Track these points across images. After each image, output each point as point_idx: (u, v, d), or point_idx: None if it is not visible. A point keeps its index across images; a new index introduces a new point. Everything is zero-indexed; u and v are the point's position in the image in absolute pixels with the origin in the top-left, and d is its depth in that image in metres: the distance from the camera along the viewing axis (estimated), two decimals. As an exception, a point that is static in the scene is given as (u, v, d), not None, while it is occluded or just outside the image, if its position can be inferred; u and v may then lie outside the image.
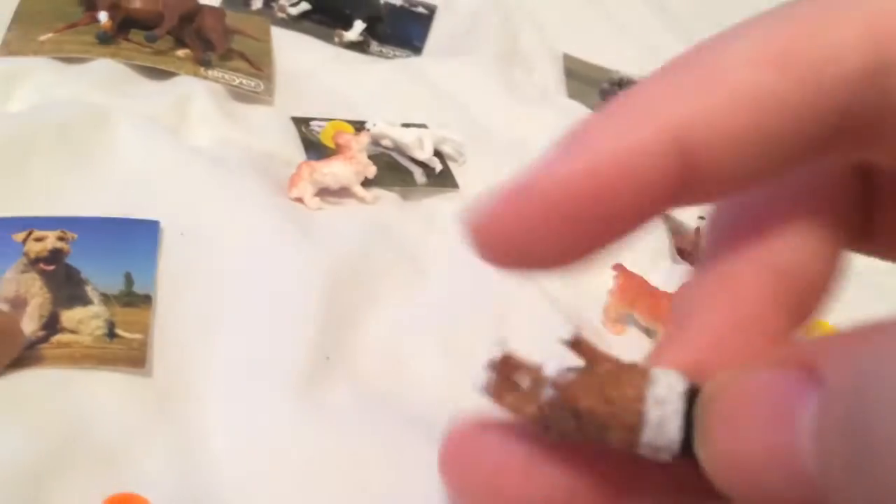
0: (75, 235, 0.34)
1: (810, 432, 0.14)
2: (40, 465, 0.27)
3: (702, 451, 0.15)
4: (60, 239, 0.33)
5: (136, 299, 0.33)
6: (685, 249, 0.49)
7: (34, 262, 0.32)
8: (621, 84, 0.62)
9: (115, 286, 0.33)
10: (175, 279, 0.35)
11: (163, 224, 0.37)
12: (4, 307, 0.31)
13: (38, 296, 0.31)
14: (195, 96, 0.44)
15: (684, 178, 0.16)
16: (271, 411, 0.32)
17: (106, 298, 0.32)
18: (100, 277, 0.33)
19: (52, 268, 0.32)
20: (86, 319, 0.31)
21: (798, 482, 0.14)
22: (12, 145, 0.38)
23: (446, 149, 0.49)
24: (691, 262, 0.47)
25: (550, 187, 0.16)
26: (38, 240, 0.33)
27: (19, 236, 0.33)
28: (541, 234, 0.16)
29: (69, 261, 0.33)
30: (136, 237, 0.35)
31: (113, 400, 0.30)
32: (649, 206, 0.16)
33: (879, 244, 0.20)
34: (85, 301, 0.32)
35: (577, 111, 0.58)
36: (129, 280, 0.33)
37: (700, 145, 0.16)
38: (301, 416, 0.32)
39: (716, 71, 0.16)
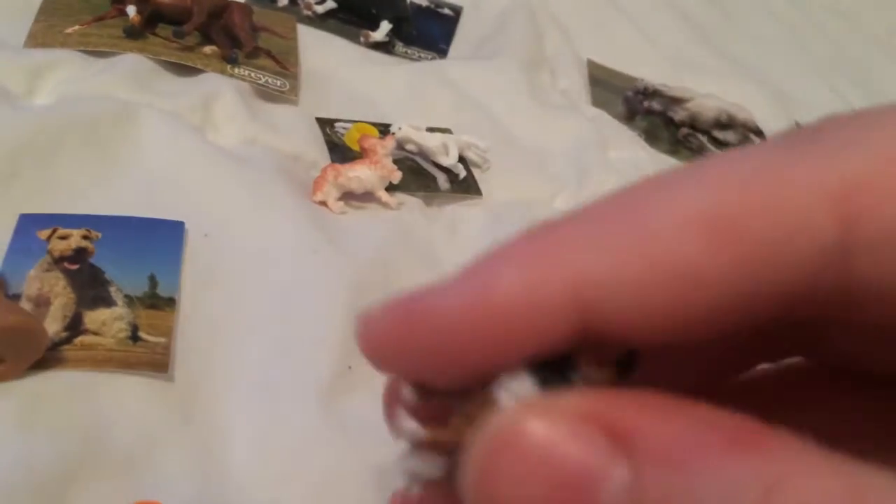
0: (100, 234, 0.34)
1: None
2: (61, 469, 0.27)
3: (471, 490, 0.14)
4: (85, 237, 0.33)
5: (159, 302, 0.32)
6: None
7: (58, 261, 0.32)
8: (645, 93, 0.62)
9: (139, 288, 0.33)
10: (198, 282, 0.35)
11: (187, 225, 0.37)
12: (27, 306, 0.30)
13: (61, 295, 0.31)
14: (221, 94, 0.44)
15: (584, 331, 0.14)
16: (292, 420, 0.31)
17: (129, 300, 0.32)
18: (123, 278, 0.33)
19: (76, 267, 0.32)
20: (109, 321, 0.31)
21: None
22: (38, 140, 0.37)
23: (471, 155, 0.49)
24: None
25: (436, 312, 0.15)
26: (63, 238, 0.33)
27: (43, 233, 0.33)
28: (422, 353, 0.16)
29: (93, 260, 0.33)
30: (160, 238, 0.35)
31: (134, 405, 0.30)
32: (540, 348, 0.15)
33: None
34: (108, 302, 0.31)
35: (602, 119, 0.58)
36: (153, 282, 0.33)
37: (601, 308, 0.14)
38: (322, 426, 0.32)
39: (637, 228, 0.14)
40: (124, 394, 0.30)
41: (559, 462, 0.13)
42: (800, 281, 0.13)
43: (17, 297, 0.30)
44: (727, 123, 0.60)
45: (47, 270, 0.32)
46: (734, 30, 0.80)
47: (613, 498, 0.13)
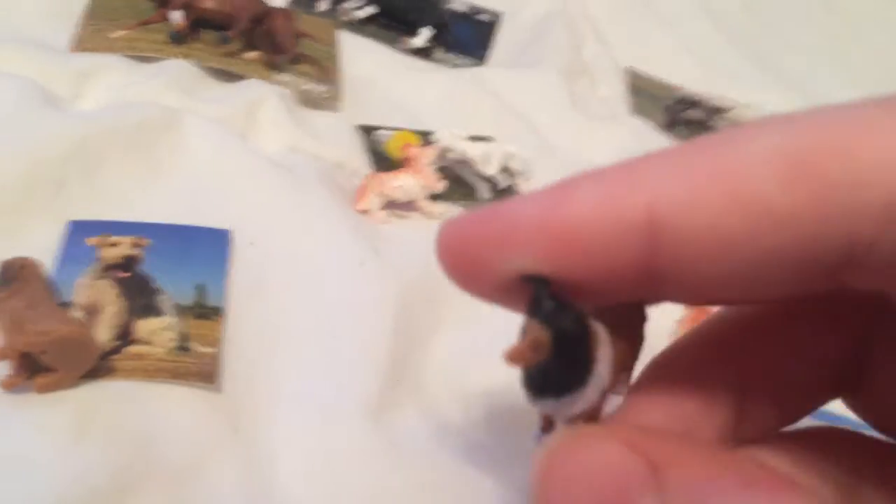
0: (150, 241, 0.33)
1: None
2: (114, 481, 0.26)
3: (533, 492, 0.16)
4: (135, 245, 0.33)
5: (207, 311, 0.32)
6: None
7: (108, 269, 0.32)
8: (687, 102, 0.61)
9: (188, 297, 0.32)
10: (244, 291, 0.35)
11: (232, 233, 0.36)
12: (79, 314, 0.30)
13: (112, 304, 0.31)
14: (265, 101, 0.44)
15: (651, 261, 0.15)
16: (340, 434, 0.31)
17: (179, 309, 0.32)
18: (171, 287, 0.32)
19: (127, 275, 0.32)
20: (158, 331, 0.31)
21: None
22: (84, 146, 0.37)
23: (512, 164, 0.48)
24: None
25: (514, 216, 0.16)
26: (113, 245, 0.33)
27: (93, 241, 0.33)
28: (497, 257, 0.17)
29: (141, 268, 0.33)
30: (207, 246, 0.35)
31: (183, 416, 0.29)
32: (611, 276, 0.16)
33: (863, 406, 0.19)
34: (158, 311, 0.31)
35: (643, 128, 0.57)
36: (201, 291, 0.33)
37: (673, 231, 0.15)
38: (370, 440, 0.31)
39: (717, 161, 0.15)
40: (173, 404, 0.30)
41: (607, 481, 0.15)
42: (866, 232, 0.13)
43: (67, 306, 0.30)
44: (769, 134, 0.59)
45: (97, 278, 0.32)
46: (774, 39, 0.79)
47: None
